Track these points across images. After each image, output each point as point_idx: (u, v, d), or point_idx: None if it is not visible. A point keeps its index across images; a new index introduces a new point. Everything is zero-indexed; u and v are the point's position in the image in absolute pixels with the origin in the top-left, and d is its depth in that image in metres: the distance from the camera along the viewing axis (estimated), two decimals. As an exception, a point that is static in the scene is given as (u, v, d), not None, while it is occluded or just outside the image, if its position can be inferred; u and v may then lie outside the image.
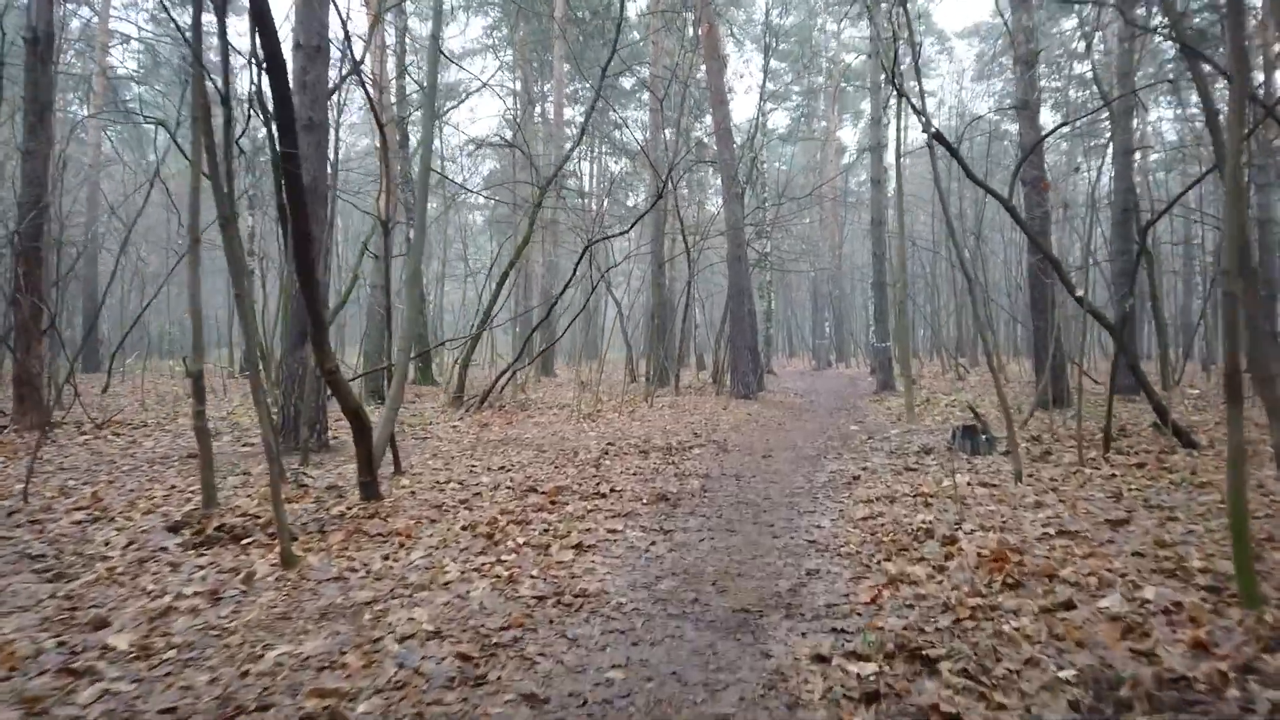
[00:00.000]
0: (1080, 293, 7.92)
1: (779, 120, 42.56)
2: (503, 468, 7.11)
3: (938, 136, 6.75)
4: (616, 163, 28.09)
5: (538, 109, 28.10)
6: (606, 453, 8.10)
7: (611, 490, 6.12)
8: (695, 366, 28.77)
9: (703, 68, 15.27)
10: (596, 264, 14.81)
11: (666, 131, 14.24)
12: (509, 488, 6.11)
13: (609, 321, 40.09)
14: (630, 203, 29.19)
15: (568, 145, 20.04)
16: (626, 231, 10.16)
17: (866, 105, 43.05)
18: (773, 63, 36.47)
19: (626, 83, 32.18)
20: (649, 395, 13.52)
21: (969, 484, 6.02)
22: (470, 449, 8.50)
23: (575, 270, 11.15)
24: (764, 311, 28.44)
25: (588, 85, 25.71)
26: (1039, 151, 12.33)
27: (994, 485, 6.00)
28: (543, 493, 5.98)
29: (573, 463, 7.50)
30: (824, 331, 32.30)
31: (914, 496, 5.68)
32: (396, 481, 6.16)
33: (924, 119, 7.18)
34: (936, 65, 38.49)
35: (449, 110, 23.10)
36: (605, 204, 15.38)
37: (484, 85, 15.15)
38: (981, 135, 21.75)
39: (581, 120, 30.59)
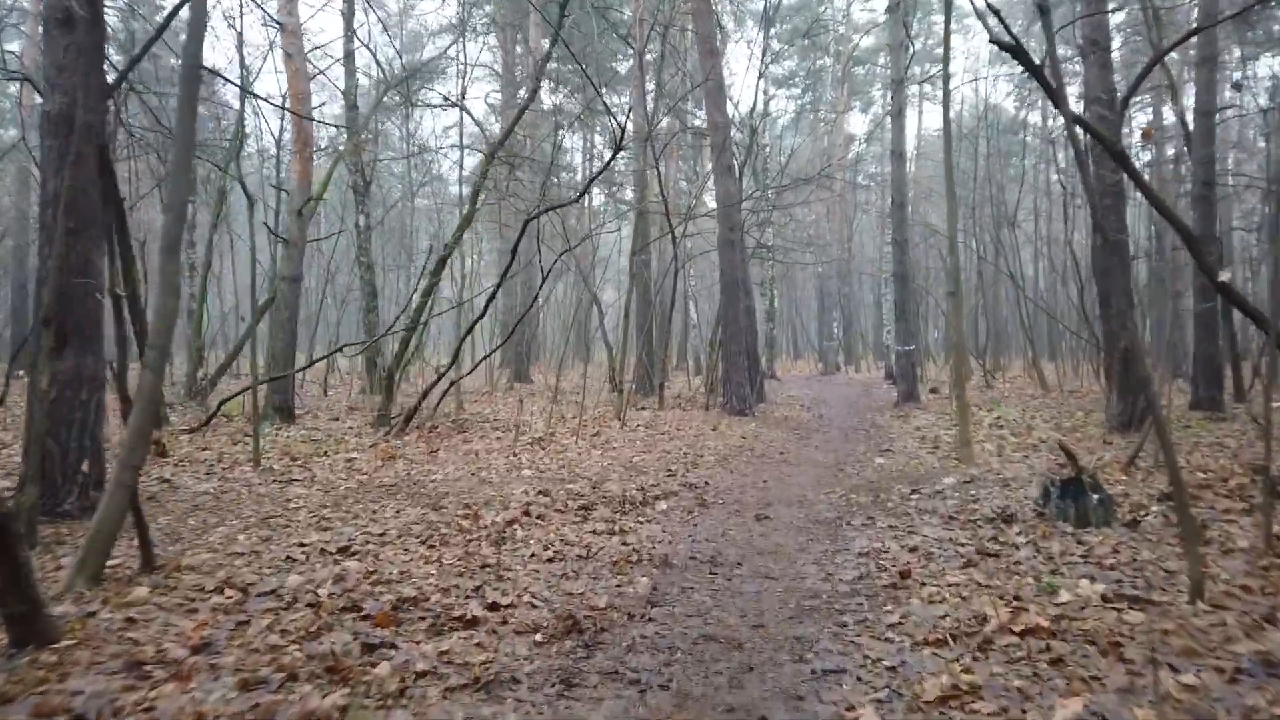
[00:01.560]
0: (1225, 276, 5.34)
1: (780, 105, 39.96)
2: (346, 549, 4.56)
3: (1041, 8, 4.20)
4: (603, 140, 25.56)
5: (521, 93, 25.60)
6: (529, 511, 5.54)
7: (491, 608, 3.57)
8: (691, 372, 26.20)
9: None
10: (548, 244, 12.35)
11: (650, 94, 11.73)
12: (313, 605, 3.57)
13: (608, 320, 37.58)
14: (628, 196, 26.64)
15: (548, 124, 17.54)
16: (575, 200, 7.67)
17: (876, 92, 40.59)
18: (776, 44, 33.99)
19: (622, 67, 29.67)
20: (621, 411, 10.99)
21: (1105, 599, 3.46)
22: (338, 501, 5.96)
23: (515, 251, 8.62)
24: (765, 310, 25.91)
25: (569, 69, 23.23)
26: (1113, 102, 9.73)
27: (1150, 602, 3.44)
28: (368, 617, 3.44)
29: (467, 534, 4.95)
30: (832, 332, 29.68)
31: (1020, 633, 3.12)
32: (118, 596, 3.61)
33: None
34: (951, 43, 35.97)
35: (418, 90, 20.64)
36: (558, 171, 12.83)
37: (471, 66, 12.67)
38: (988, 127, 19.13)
39: (568, 107, 28.08)
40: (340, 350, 9.90)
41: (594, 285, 17.50)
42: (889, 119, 15.04)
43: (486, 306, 9.36)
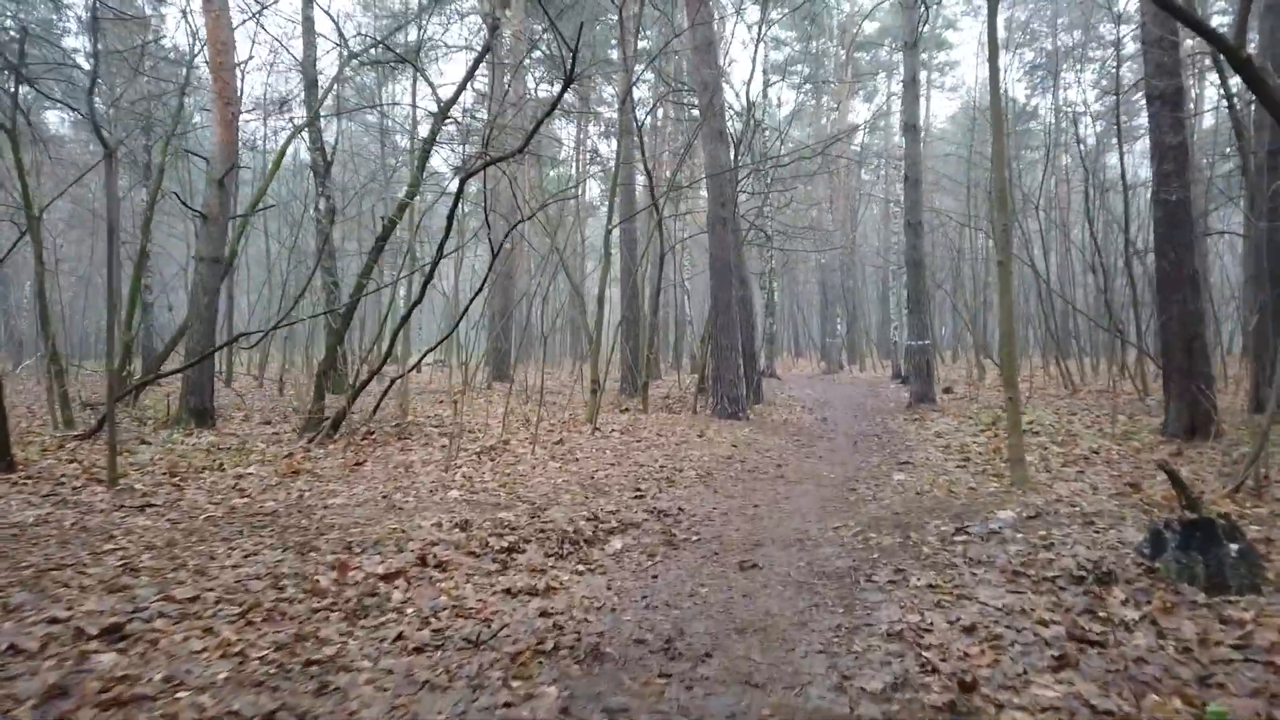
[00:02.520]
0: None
1: (782, 95, 38.48)
2: (116, 628, 3.03)
3: None
4: (596, 127, 24.05)
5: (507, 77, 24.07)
6: (427, 556, 4.03)
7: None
8: (686, 370, 24.66)
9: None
10: (502, 216, 10.85)
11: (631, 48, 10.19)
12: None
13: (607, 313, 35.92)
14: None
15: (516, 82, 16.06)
16: (517, 153, 6.17)
17: (881, 83, 39.00)
18: (777, 30, 32.46)
19: (616, 54, 28.12)
20: (594, 415, 9.46)
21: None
22: (178, 539, 4.42)
23: (450, 221, 7.05)
24: (765, 304, 24.37)
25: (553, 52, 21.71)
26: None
27: None
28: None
29: (320, 597, 3.44)
30: (835, 329, 28.12)
31: None
32: None
33: None
34: (960, 25, 34.39)
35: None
36: (502, 118, 11.22)
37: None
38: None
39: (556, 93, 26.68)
40: (236, 341, 8.33)
41: (576, 274, 15.98)
42: (901, 87, 13.48)
43: (421, 293, 7.82)
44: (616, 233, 18.00)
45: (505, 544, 4.33)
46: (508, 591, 3.59)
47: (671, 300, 25.65)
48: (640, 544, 4.48)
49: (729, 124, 13.15)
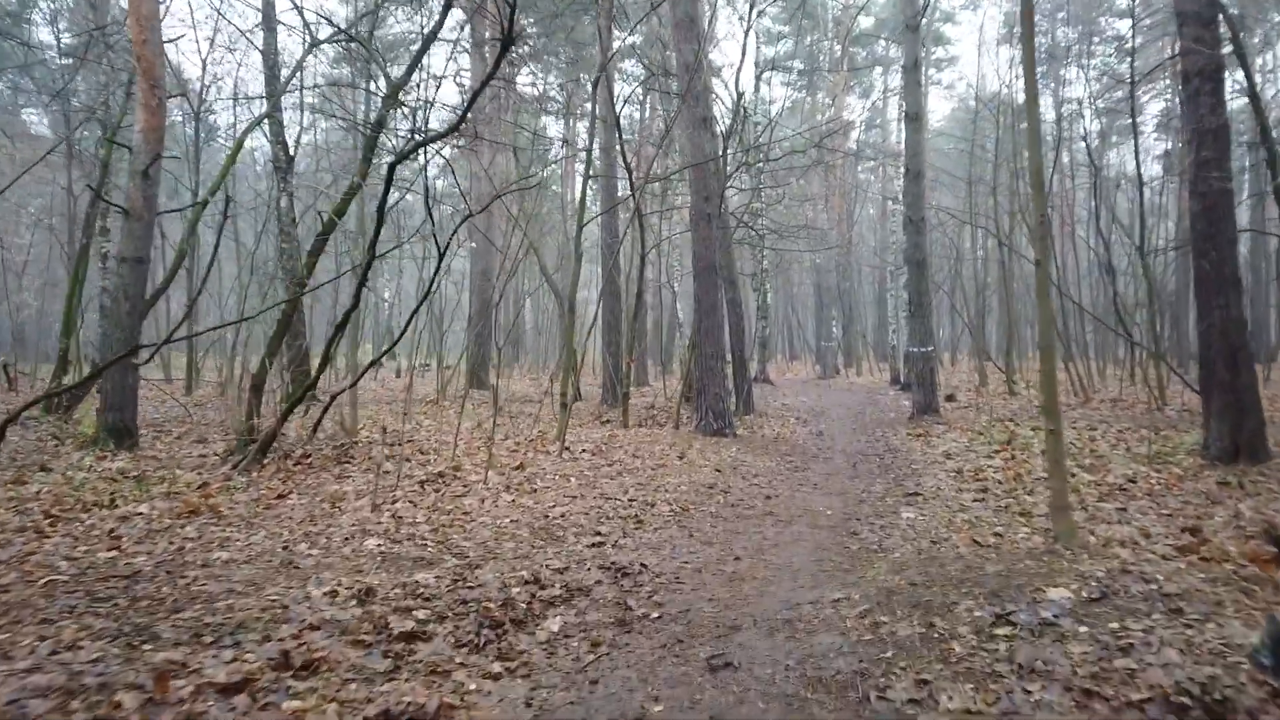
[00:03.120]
0: None
1: (775, 93, 37.61)
2: None
3: None
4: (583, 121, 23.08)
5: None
6: (290, 657, 3.02)
7: None
8: (678, 375, 23.68)
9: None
10: (435, 207, 9.80)
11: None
12: None
13: (586, 318, 35.26)
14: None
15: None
16: (449, 133, 5.19)
17: (878, 78, 38.06)
18: (770, 23, 31.53)
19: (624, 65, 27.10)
20: (561, 433, 8.46)
21: None
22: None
23: (380, 216, 5.95)
24: (757, 306, 23.42)
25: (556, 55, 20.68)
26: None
27: None
28: None
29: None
30: (830, 332, 27.15)
31: None
32: None
33: None
34: (959, 19, 33.47)
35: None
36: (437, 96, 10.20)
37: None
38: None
39: (549, 89, 25.61)
40: (132, 355, 7.28)
41: (562, 275, 14.99)
42: (901, 73, 12.53)
43: (357, 295, 6.81)
44: (595, 232, 17.00)
45: (408, 626, 3.33)
46: (384, 717, 2.59)
47: (664, 302, 24.66)
48: (585, 623, 3.49)
49: (717, 114, 12.17)
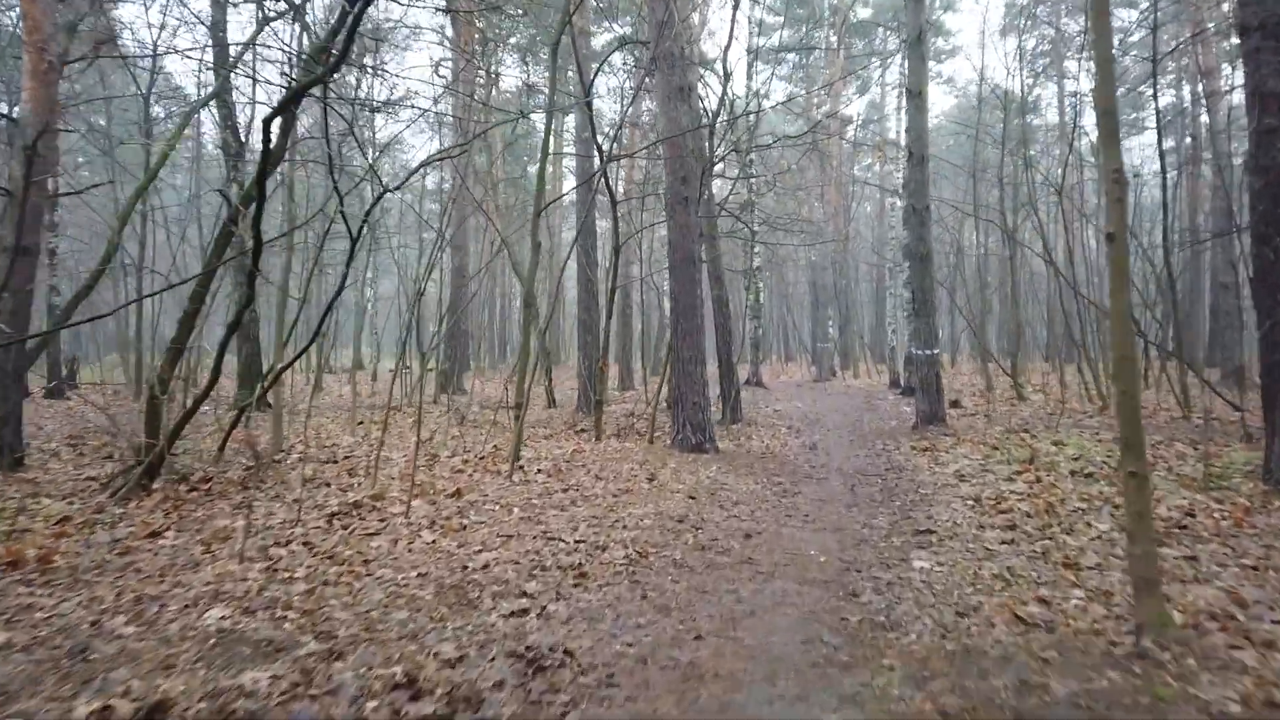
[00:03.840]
0: None
1: (767, 83, 36.52)
2: None
3: None
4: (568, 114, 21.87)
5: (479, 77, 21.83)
6: None
7: None
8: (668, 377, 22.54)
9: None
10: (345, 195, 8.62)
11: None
12: None
13: (548, 318, 34.19)
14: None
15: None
16: (325, 78, 4.10)
17: (875, 72, 36.94)
18: (760, 12, 30.36)
19: (598, 40, 25.90)
20: (514, 452, 7.28)
21: None
22: None
23: (261, 186, 4.84)
24: (750, 305, 22.28)
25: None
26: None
27: None
28: None
29: None
30: (826, 333, 26.03)
31: None
32: None
33: None
34: (959, 6, 32.38)
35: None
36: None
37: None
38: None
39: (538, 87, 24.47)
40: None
41: (520, 262, 13.78)
42: (904, 46, 11.41)
43: (249, 295, 5.65)
44: (563, 223, 15.80)
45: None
46: None
47: (654, 301, 23.51)
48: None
49: (701, 92, 11.03)
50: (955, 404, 14.15)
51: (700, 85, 13.19)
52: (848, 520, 5.73)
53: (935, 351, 10.87)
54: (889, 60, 32.78)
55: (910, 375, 18.04)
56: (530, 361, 7.58)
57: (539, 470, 7.29)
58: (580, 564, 4.46)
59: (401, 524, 5.35)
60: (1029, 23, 32.74)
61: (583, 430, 11.22)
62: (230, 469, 7.04)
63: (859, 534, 5.28)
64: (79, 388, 18.21)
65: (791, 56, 32.79)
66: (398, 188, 6.34)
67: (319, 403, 15.11)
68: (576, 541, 4.91)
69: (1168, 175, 14.15)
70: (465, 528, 5.26)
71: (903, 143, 16.87)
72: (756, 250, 21.13)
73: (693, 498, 6.33)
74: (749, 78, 20.95)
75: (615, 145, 9.77)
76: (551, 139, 8.60)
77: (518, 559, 4.54)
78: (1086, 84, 30.00)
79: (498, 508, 5.84)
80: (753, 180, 16.86)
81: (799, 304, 38.04)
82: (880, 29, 32.33)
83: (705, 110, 11.78)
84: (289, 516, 5.50)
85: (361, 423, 11.69)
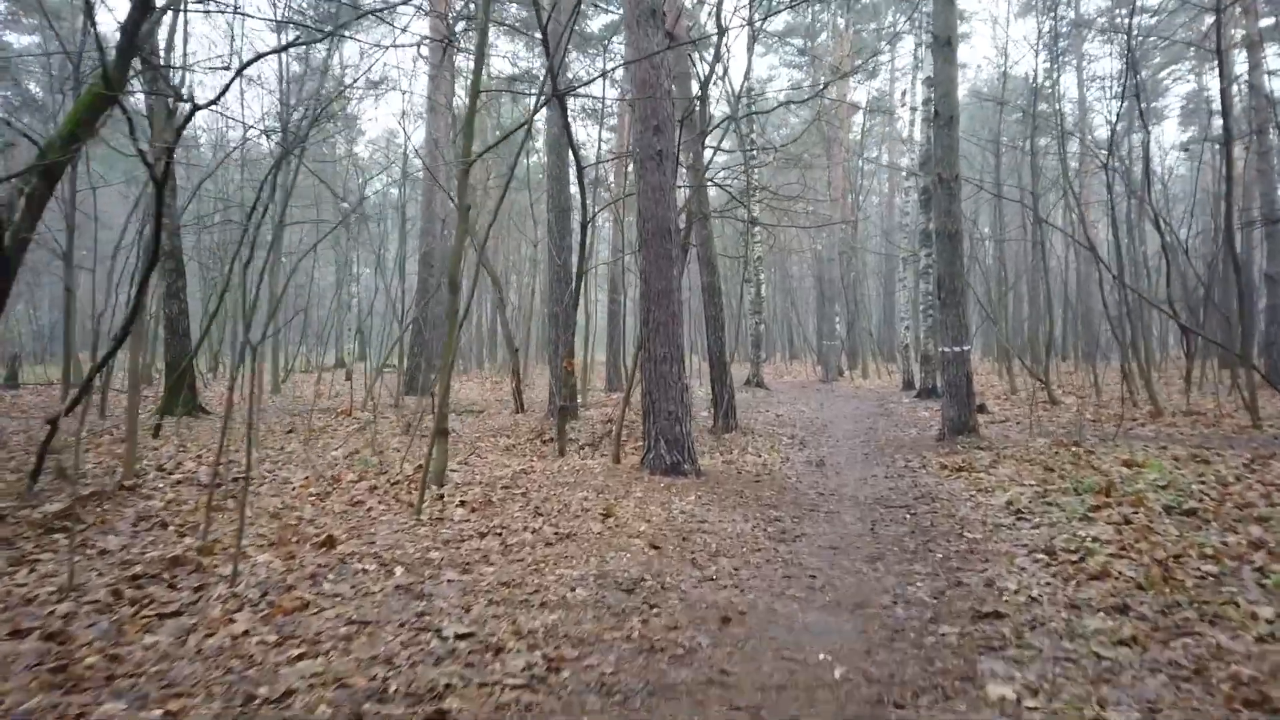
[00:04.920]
0: None
1: (771, 81, 34.92)
2: None
3: None
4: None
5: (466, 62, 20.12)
6: None
7: None
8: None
9: None
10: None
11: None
12: None
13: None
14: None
15: None
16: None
17: (885, 57, 35.05)
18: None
19: (594, 24, 24.20)
20: (439, 476, 5.58)
21: None
22: None
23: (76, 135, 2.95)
24: (751, 300, 20.56)
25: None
26: None
27: None
28: None
29: None
30: (833, 329, 24.28)
31: None
32: None
33: None
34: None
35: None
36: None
37: None
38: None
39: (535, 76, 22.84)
40: None
41: (489, 256, 12.12)
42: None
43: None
44: (527, 190, 14.27)
45: None
46: None
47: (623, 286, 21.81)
48: None
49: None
50: (981, 409, 12.41)
51: (695, 60, 11.48)
52: (871, 587, 4.01)
53: (966, 348, 9.13)
54: (898, 44, 30.96)
55: (927, 376, 16.30)
56: (450, 361, 5.86)
57: (461, 502, 5.58)
58: (446, 687, 2.76)
59: (220, 597, 3.65)
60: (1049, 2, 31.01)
61: (550, 439, 9.55)
62: (53, 499, 5.35)
63: (891, 617, 3.56)
64: (19, 388, 16.64)
65: (797, 40, 31.05)
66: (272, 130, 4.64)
67: (269, 406, 13.44)
68: (459, 636, 3.21)
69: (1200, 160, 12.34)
70: (306, 605, 3.56)
71: (918, 103, 15.11)
72: (758, 238, 19.40)
73: (656, 547, 4.61)
74: (750, 50, 19.22)
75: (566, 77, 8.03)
76: (485, 68, 6.93)
77: (350, 674, 2.84)
78: (1105, 66, 28.02)
79: (374, 567, 4.13)
80: (753, 154, 15.13)
81: (804, 299, 36.29)
82: (891, 8, 30.49)
83: (694, 67, 10.04)
84: (67, 583, 3.81)
85: (291, 431, 10.02)
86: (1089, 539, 4.59)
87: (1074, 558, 4.28)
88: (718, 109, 10.76)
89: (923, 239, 15.87)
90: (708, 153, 11.40)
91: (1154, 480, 5.99)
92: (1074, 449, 8.01)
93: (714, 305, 10.53)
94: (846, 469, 7.79)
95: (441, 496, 5.70)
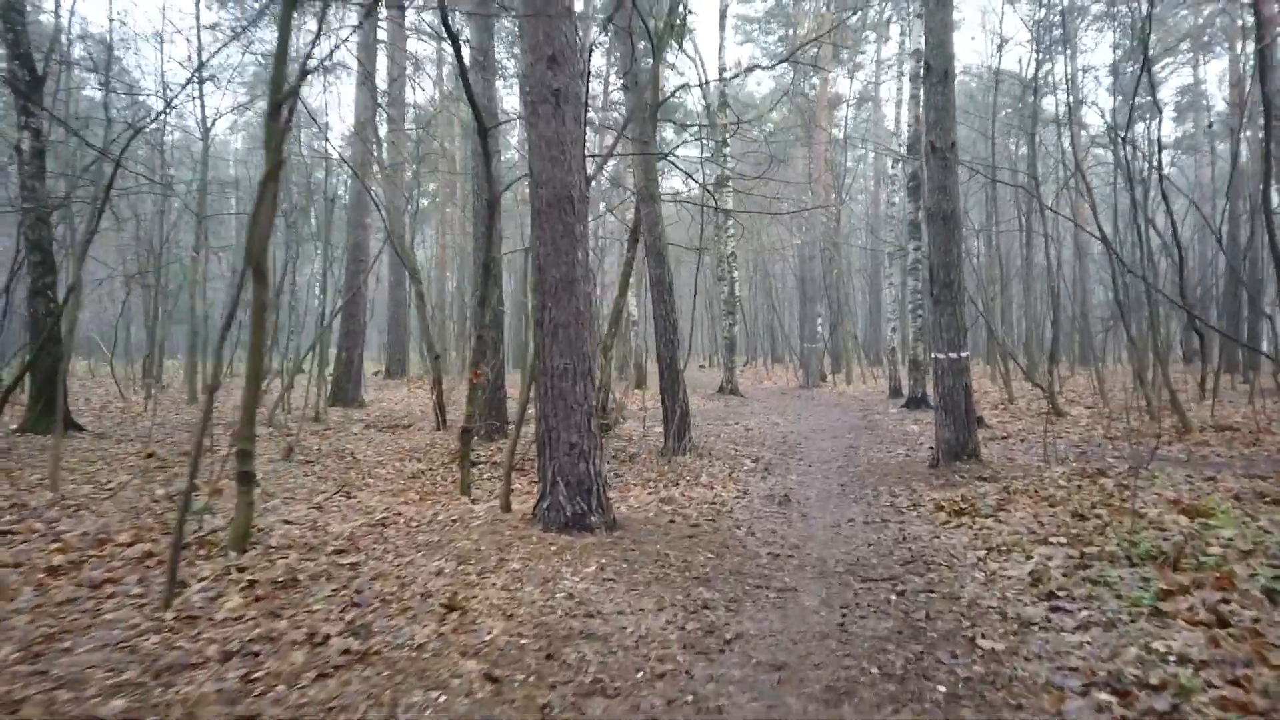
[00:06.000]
0: None
1: (754, 85, 33.29)
2: None
3: None
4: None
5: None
6: None
7: None
8: (631, 383, 19.12)
9: None
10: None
11: None
12: None
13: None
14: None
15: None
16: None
17: (871, 47, 33.54)
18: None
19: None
20: (172, 571, 3.87)
21: None
22: None
23: None
24: (724, 299, 18.95)
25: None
26: None
27: None
28: None
29: None
30: (815, 332, 22.69)
31: None
32: None
33: None
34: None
35: None
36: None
37: None
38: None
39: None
40: None
41: (410, 251, 10.48)
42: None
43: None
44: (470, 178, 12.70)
45: None
46: None
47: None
48: None
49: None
50: (983, 423, 10.82)
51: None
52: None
53: (964, 354, 7.50)
54: (885, 36, 29.47)
55: (916, 383, 14.72)
56: (256, 371, 4.16)
57: (249, 583, 3.86)
58: None
59: None
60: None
61: (479, 463, 7.86)
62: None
63: None
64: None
65: (779, 28, 29.52)
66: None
67: (169, 421, 11.62)
68: None
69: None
70: None
71: (905, 70, 13.55)
72: (731, 232, 17.77)
73: (493, 679, 2.91)
74: (721, 39, 17.65)
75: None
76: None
77: None
78: (1101, 56, 26.60)
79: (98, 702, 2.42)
80: (725, 140, 13.50)
81: (787, 300, 34.73)
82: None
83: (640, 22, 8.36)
84: None
85: (151, 455, 8.26)
86: (1172, 656, 2.95)
87: (1160, 700, 2.63)
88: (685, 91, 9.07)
89: (911, 230, 14.29)
90: (669, 130, 9.78)
91: (1230, 539, 4.36)
92: (1100, 480, 6.40)
93: (664, 303, 8.86)
94: (817, 509, 6.13)
95: (229, 571, 3.99)
